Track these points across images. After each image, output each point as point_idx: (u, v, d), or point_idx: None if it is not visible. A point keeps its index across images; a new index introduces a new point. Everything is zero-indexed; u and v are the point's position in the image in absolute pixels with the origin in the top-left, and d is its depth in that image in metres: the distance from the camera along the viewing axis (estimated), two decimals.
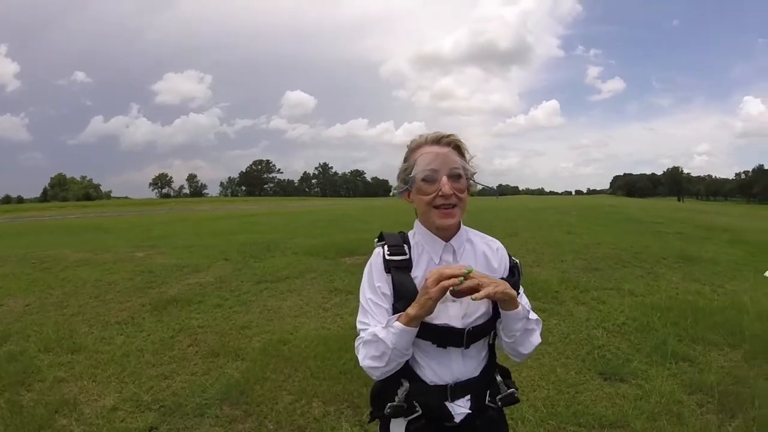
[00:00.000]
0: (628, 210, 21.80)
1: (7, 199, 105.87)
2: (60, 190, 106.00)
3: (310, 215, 22.50)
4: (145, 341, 4.97)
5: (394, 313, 1.48)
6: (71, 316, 5.84)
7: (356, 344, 1.53)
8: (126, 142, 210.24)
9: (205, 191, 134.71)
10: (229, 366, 4.35)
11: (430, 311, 1.40)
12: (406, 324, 1.41)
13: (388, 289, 1.52)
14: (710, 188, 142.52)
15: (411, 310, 1.40)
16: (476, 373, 1.56)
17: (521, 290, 1.57)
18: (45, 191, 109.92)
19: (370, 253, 1.62)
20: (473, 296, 1.36)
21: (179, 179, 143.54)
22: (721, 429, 3.24)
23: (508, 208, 24.19)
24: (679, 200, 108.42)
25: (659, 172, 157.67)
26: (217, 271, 8.06)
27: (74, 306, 6.22)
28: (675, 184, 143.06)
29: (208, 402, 3.67)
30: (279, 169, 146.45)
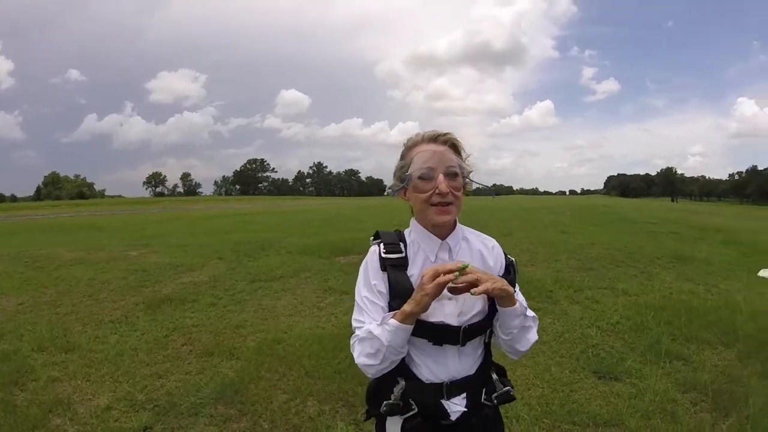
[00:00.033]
0: (622, 210, 21.88)
1: (1, 198, 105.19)
2: (53, 188, 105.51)
3: (304, 214, 22.46)
4: (139, 340, 4.96)
5: (389, 311, 1.48)
6: (65, 315, 5.81)
7: (352, 342, 1.53)
8: (120, 140, 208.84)
9: (199, 190, 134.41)
10: (224, 365, 4.34)
11: (426, 308, 1.40)
12: (402, 321, 1.41)
13: (384, 287, 1.52)
14: (704, 189, 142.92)
15: (406, 307, 1.41)
16: (472, 371, 1.56)
17: (517, 288, 1.57)
18: (38, 190, 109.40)
19: (364, 253, 1.61)
20: (472, 290, 1.36)
21: (173, 178, 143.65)
22: (714, 427, 3.26)
23: (502, 208, 24.20)
24: (672, 200, 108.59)
25: (653, 173, 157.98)
26: (212, 270, 8.04)
27: (68, 305, 6.19)
28: (669, 184, 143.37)
29: (203, 401, 3.66)
30: (273, 168, 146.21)
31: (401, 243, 1.56)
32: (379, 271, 1.53)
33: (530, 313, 1.55)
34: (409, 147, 1.57)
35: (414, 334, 1.46)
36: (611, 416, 3.38)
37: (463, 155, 1.57)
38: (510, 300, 1.45)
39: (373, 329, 1.45)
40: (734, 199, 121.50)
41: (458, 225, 1.59)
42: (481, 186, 1.66)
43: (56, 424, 3.41)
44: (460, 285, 1.36)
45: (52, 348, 4.74)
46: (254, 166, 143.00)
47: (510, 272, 1.59)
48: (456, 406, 1.53)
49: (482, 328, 1.55)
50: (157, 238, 12.73)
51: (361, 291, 1.55)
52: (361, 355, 1.47)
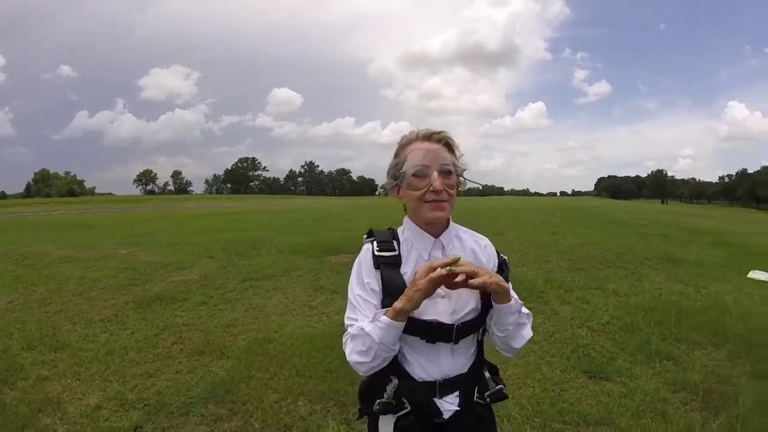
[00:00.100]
0: (613, 212, 21.94)
1: None
2: (43, 185, 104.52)
3: (295, 213, 22.39)
4: (129, 339, 4.93)
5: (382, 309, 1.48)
6: (54, 313, 5.77)
7: (344, 339, 1.53)
8: (111, 137, 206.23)
9: (190, 188, 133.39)
10: (214, 364, 4.33)
11: (417, 305, 1.41)
12: (393, 318, 1.41)
13: (377, 285, 1.52)
14: (694, 191, 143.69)
15: (398, 304, 1.41)
16: (465, 370, 1.56)
17: (510, 286, 1.57)
18: (28, 187, 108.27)
19: (356, 252, 1.62)
20: (470, 281, 1.37)
21: (164, 176, 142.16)
22: (705, 426, 3.28)
23: (493, 208, 24.24)
24: (663, 202, 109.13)
25: (644, 175, 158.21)
26: (202, 269, 8.00)
27: (57, 303, 6.15)
28: (659, 186, 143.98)
29: (193, 401, 3.64)
30: (265, 167, 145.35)
31: (394, 241, 1.57)
32: (372, 269, 1.54)
33: (524, 310, 1.57)
34: (404, 145, 1.58)
35: (407, 332, 1.47)
36: (602, 415, 3.40)
37: (457, 154, 1.57)
38: (506, 296, 1.46)
39: (364, 326, 1.45)
40: (724, 201, 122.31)
41: (451, 223, 1.61)
42: (475, 184, 1.68)
43: (46, 423, 3.38)
44: (459, 270, 1.37)
45: (42, 347, 4.70)
46: (245, 164, 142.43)
47: (503, 270, 1.60)
48: (449, 405, 1.53)
49: (475, 326, 1.56)
50: (147, 237, 12.66)
51: (354, 289, 1.56)
52: (352, 352, 1.48)
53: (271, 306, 6.06)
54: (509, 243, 10.47)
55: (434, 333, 1.50)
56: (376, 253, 1.54)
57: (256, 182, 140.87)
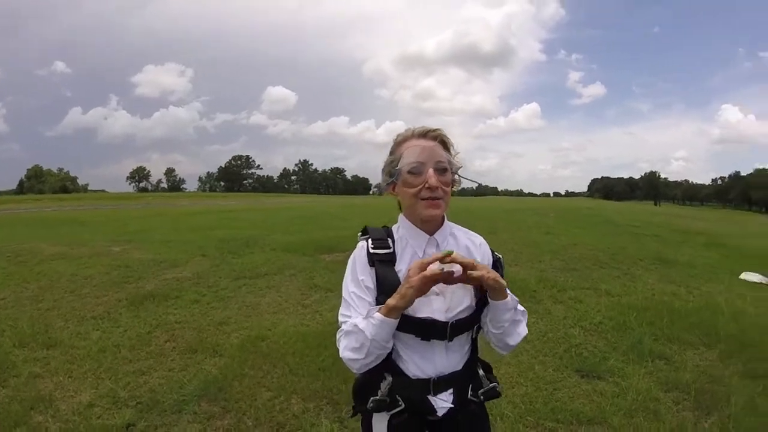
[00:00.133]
0: (606, 212, 21.99)
1: None
2: (36, 182, 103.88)
3: (288, 212, 22.31)
4: (122, 337, 4.90)
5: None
6: (47, 310, 5.73)
7: (337, 336, 1.53)
8: (104, 134, 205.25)
9: (184, 186, 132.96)
10: (207, 362, 4.32)
11: (411, 302, 1.41)
12: (386, 315, 1.41)
13: (371, 283, 1.52)
14: (687, 193, 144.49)
15: (391, 301, 1.41)
16: (459, 367, 1.57)
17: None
18: (21, 183, 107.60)
19: (349, 250, 1.62)
20: (470, 272, 1.38)
21: (157, 173, 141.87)
22: (697, 426, 3.30)
23: (487, 208, 24.24)
24: (656, 204, 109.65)
25: (637, 176, 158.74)
26: (195, 267, 7.97)
27: (50, 300, 6.11)
28: (652, 188, 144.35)
29: (186, 398, 3.63)
30: (259, 165, 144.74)
31: (389, 239, 1.57)
32: (366, 267, 1.54)
33: (520, 307, 1.57)
34: (399, 142, 1.58)
35: (401, 329, 1.47)
36: (594, 414, 3.41)
37: (452, 152, 1.58)
38: (502, 292, 1.47)
39: (358, 323, 1.45)
40: (717, 203, 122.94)
41: (446, 221, 1.61)
42: (470, 182, 1.68)
43: (38, 421, 3.36)
44: (457, 261, 1.38)
45: (34, 344, 4.67)
46: (239, 162, 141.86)
47: (497, 269, 1.60)
48: (443, 402, 1.53)
49: (470, 323, 1.56)
50: (140, 234, 12.59)
51: (348, 286, 1.55)
52: (346, 349, 1.48)
53: (265, 304, 6.05)
54: (503, 243, 10.48)
55: (429, 330, 1.50)
56: (371, 250, 1.54)
57: (250, 180, 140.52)
